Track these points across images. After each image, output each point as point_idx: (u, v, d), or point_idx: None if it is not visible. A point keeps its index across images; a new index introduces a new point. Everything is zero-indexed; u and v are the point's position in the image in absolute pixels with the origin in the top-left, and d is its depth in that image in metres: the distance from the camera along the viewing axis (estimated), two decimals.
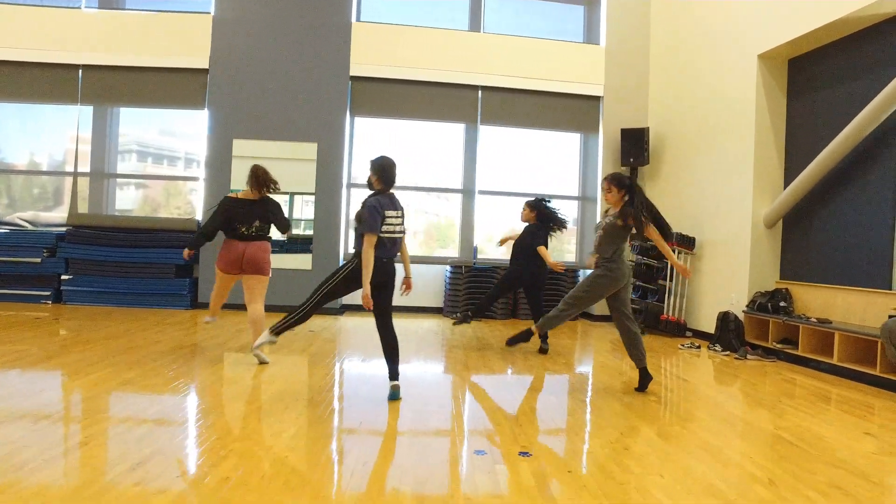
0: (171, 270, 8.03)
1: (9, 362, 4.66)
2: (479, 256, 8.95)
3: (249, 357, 5.15)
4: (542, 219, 6.10)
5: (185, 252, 5.16)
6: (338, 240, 8.25)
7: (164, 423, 3.41)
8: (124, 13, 8.40)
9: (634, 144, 8.53)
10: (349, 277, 4.04)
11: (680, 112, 8.20)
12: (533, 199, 6.21)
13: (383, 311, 4.03)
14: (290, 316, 4.27)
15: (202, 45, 8.20)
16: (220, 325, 6.94)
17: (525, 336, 5.22)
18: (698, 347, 6.67)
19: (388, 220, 3.85)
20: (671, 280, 7.58)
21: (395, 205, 3.94)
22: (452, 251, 9.05)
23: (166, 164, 9.13)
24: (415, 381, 4.67)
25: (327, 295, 4.12)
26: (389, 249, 3.93)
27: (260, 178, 5.10)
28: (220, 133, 8.17)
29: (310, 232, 8.30)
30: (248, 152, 8.14)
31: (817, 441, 3.52)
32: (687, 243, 7.49)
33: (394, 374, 4.04)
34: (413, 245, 9.00)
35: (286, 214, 5.37)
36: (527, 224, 6.18)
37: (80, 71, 8.37)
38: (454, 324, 6.45)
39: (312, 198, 8.24)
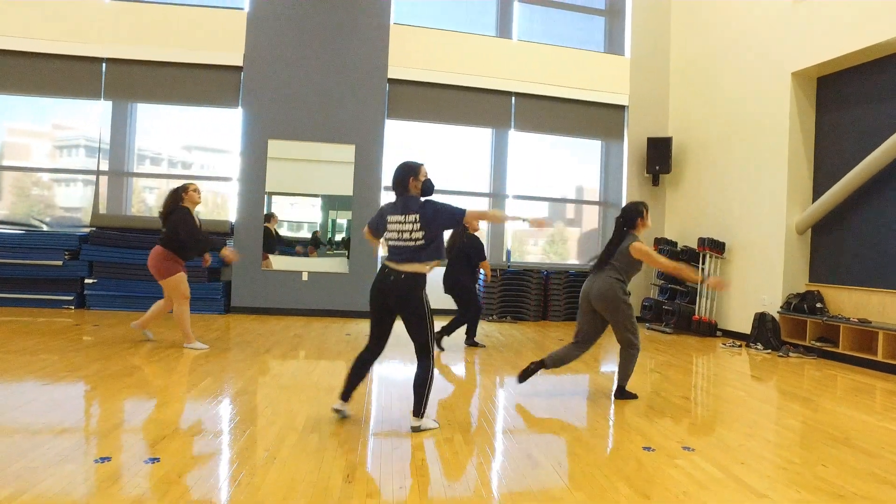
0: (203, 274, 7.77)
1: (133, 386, 4.48)
2: (512, 260, 9.11)
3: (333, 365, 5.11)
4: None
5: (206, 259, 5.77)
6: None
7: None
8: (150, 6, 8.08)
9: (660, 153, 8.91)
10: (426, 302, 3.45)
11: (702, 122, 8.63)
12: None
13: (382, 333, 3.51)
14: (423, 389, 3.45)
15: (236, 41, 8.00)
16: (257, 329, 6.81)
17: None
18: (739, 346, 7.05)
19: (390, 226, 3.45)
20: (702, 282, 7.96)
21: (397, 209, 3.43)
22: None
23: (194, 164, 8.83)
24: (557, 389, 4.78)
25: (432, 332, 3.48)
26: (390, 255, 3.45)
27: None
28: (254, 133, 7.98)
29: (329, 235, 8.24)
30: (283, 153, 8.00)
31: None
32: (717, 247, 7.88)
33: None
34: None
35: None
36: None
37: (104, 65, 8.00)
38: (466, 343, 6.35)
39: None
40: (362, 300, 8.02)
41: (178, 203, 5.33)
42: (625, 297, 4.27)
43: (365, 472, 2.80)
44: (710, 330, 7.83)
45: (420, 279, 3.38)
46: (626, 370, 4.40)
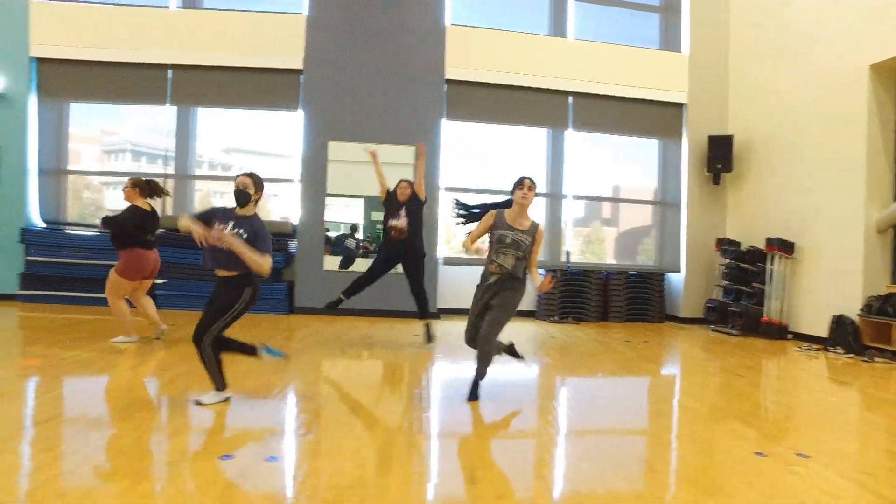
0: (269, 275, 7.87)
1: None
2: (571, 260, 9.01)
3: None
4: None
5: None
6: (434, 243, 8.21)
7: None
8: (213, 13, 8.24)
9: (721, 151, 8.69)
10: None
11: (766, 118, 8.38)
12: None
13: None
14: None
15: (296, 45, 8.09)
16: (321, 329, 6.85)
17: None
18: (816, 350, 6.82)
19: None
20: (770, 283, 7.73)
21: None
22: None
23: (256, 167, 8.98)
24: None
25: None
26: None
27: (155, 189, 5.43)
28: (315, 135, 8.06)
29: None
30: (343, 155, 8.05)
31: None
32: (786, 247, 7.64)
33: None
34: None
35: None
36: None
37: (170, 71, 8.19)
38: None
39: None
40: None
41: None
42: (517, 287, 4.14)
43: (487, 472, 2.77)
44: (779, 332, 7.59)
45: None
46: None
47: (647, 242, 9.80)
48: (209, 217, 3.67)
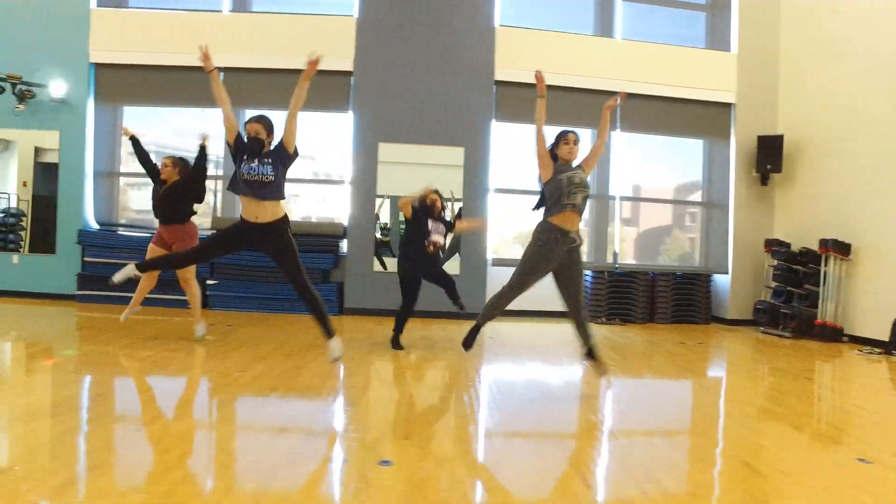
0: (318, 275, 7.98)
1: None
2: (619, 261, 8.99)
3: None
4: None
5: None
6: (485, 244, 8.24)
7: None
8: (265, 16, 8.35)
9: (770, 152, 8.60)
10: None
11: (819, 117, 8.28)
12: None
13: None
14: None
15: (346, 47, 8.16)
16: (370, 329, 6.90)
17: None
18: (879, 353, 6.74)
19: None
20: (824, 284, 7.65)
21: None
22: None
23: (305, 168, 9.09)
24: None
25: None
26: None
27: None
28: (365, 137, 8.14)
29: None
30: (393, 157, 8.12)
31: None
32: (842, 249, 7.55)
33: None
34: None
35: None
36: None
37: (221, 74, 8.28)
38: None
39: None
40: (473, 302, 8.06)
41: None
42: (533, 240, 4.19)
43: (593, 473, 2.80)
44: (834, 335, 7.51)
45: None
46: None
47: (668, 242, 9.75)
48: (241, 148, 4.11)
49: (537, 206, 4.42)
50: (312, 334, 6.37)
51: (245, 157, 4.07)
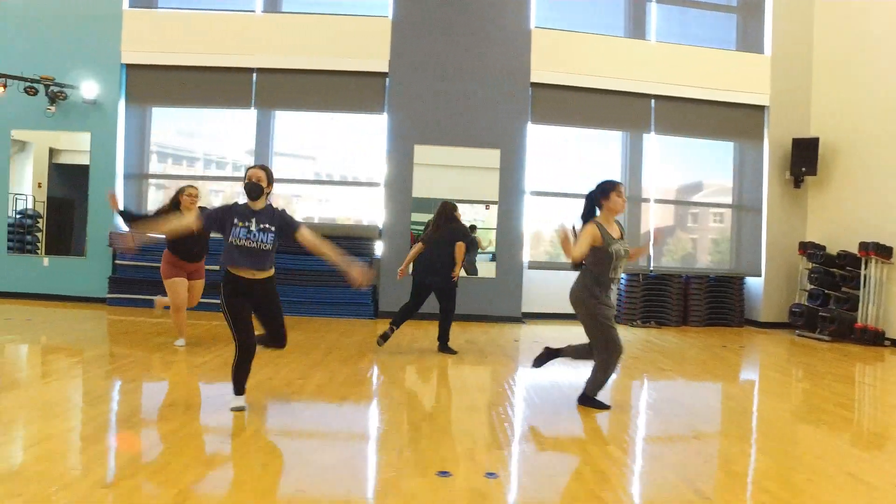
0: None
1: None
2: (654, 264, 8.94)
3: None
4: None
5: None
6: (521, 247, 8.17)
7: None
8: (299, 16, 8.25)
9: (805, 154, 8.56)
10: None
11: (855, 119, 8.24)
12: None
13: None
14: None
15: (381, 48, 8.08)
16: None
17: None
18: None
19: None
20: (864, 287, 7.61)
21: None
22: None
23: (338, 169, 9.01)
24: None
25: None
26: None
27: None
28: (400, 138, 8.06)
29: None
30: (429, 159, 8.05)
31: None
32: (883, 252, 7.51)
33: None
34: None
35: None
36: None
37: (255, 74, 8.23)
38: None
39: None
40: (509, 305, 8.02)
41: (176, 206, 5.22)
42: (592, 301, 3.83)
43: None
44: (875, 339, 7.46)
45: None
46: (594, 376, 3.96)
47: (698, 245, 9.72)
48: (224, 217, 3.51)
49: (585, 217, 4.15)
50: (356, 338, 6.32)
51: (235, 220, 3.49)
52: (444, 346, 5.74)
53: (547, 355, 4.24)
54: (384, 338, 5.61)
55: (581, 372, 5.03)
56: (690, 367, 5.68)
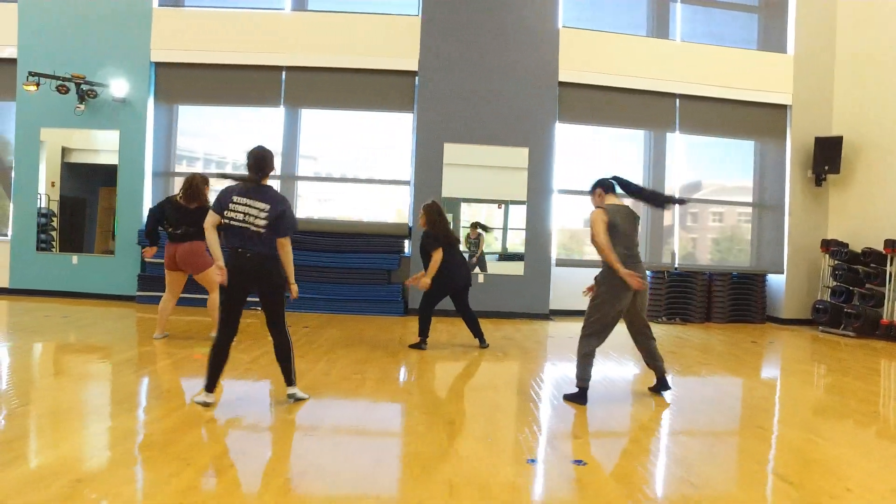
0: (384, 276, 7.95)
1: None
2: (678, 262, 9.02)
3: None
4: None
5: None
6: (549, 245, 8.23)
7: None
8: (328, 14, 8.28)
9: (828, 153, 8.65)
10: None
11: (878, 118, 8.35)
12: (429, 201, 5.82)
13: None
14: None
15: (411, 47, 8.12)
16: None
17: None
18: None
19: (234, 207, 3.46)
20: (890, 284, 7.71)
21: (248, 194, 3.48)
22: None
23: (366, 168, 9.04)
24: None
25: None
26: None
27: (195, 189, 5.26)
28: (429, 137, 8.10)
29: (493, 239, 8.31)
30: (458, 158, 8.10)
31: None
32: None
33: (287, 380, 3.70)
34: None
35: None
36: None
37: (284, 73, 8.26)
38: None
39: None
40: (538, 302, 8.09)
41: (205, 196, 5.26)
42: (604, 284, 3.92)
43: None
44: None
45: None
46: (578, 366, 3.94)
47: (720, 243, 9.81)
48: (224, 201, 3.48)
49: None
50: (395, 333, 6.35)
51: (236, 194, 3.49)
52: (482, 342, 5.82)
53: (660, 383, 4.20)
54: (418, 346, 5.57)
55: (628, 369, 5.09)
56: (730, 363, 5.74)
